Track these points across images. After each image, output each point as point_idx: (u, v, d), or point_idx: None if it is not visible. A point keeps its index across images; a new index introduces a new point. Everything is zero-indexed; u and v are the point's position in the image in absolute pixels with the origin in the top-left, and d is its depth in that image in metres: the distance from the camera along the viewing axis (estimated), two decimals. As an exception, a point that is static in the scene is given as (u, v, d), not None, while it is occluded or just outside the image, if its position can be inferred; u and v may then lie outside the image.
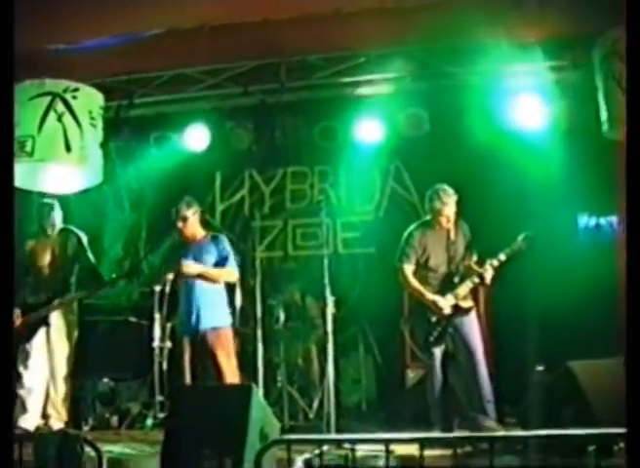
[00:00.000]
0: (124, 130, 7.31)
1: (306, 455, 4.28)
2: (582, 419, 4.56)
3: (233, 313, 6.35)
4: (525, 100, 6.99)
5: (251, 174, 8.44)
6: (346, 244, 8.12)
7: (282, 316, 6.99)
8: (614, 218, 7.49)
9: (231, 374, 5.72)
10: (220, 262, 5.90)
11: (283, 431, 5.42)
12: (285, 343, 7.00)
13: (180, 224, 5.91)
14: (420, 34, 6.32)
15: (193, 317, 5.85)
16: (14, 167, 5.50)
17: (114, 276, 6.32)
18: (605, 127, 5.66)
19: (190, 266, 5.79)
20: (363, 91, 7.43)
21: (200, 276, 5.82)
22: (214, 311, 5.85)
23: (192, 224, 5.98)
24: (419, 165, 7.84)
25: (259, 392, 4.87)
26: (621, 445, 3.74)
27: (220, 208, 8.43)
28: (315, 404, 6.81)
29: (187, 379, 5.72)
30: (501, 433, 5.21)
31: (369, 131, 7.44)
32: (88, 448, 3.81)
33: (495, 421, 5.58)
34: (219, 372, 5.69)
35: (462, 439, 4.23)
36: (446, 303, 5.65)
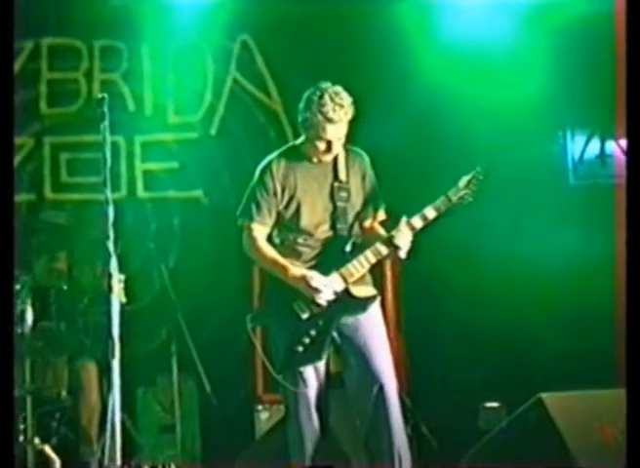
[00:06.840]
0: None
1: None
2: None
3: None
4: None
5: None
6: (151, 182, 8.06)
7: (30, 312, 6.61)
8: (622, 141, 7.61)
9: None
10: None
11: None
12: (35, 360, 6.70)
13: None
14: None
15: None
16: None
17: None
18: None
19: None
20: None
21: None
22: None
23: None
24: (284, 43, 7.84)
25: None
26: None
27: None
28: (94, 468, 6.80)
29: None
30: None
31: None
32: None
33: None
34: None
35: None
36: (328, 288, 5.35)
